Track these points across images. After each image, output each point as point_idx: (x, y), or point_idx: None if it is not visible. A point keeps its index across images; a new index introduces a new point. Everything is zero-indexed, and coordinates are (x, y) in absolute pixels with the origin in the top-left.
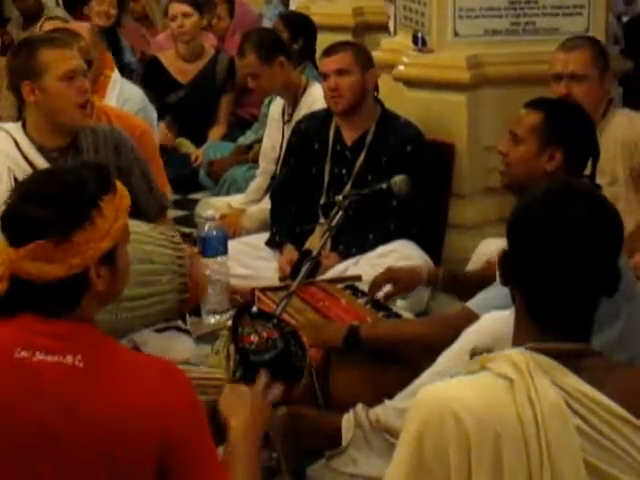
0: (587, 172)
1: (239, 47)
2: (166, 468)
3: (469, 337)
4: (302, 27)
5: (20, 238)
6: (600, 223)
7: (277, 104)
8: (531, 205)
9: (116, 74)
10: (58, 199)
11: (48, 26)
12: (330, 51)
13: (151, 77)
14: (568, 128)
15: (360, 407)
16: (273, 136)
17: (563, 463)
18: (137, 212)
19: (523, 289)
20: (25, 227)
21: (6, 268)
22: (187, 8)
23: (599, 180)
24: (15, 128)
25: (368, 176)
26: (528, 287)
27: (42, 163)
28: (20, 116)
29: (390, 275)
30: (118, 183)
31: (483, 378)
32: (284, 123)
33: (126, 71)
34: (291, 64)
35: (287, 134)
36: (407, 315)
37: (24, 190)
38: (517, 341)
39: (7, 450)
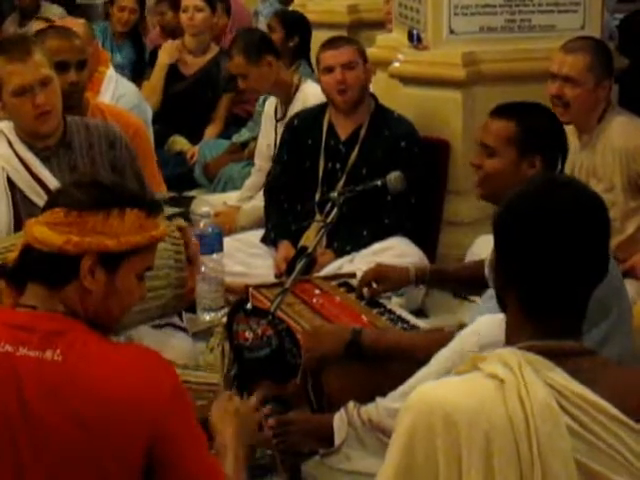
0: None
1: (229, 48)
2: (155, 460)
3: (463, 339)
4: (297, 25)
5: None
6: (589, 211)
7: (271, 102)
8: (517, 203)
9: (111, 71)
10: (93, 186)
11: (39, 26)
12: (333, 44)
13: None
14: (543, 133)
15: (351, 405)
16: (267, 134)
17: (554, 463)
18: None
19: (517, 287)
20: (53, 199)
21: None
22: (199, 2)
23: (597, 186)
24: (9, 128)
25: (362, 170)
26: (522, 285)
27: (34, 162)
28: None
29: (378, 272)
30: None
31: (473, 378)
32: (277, 121)
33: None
34: (281, 62)
35: (280, 132)
36: (402, 312)
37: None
38: (509, 341)
39: (4, 440)
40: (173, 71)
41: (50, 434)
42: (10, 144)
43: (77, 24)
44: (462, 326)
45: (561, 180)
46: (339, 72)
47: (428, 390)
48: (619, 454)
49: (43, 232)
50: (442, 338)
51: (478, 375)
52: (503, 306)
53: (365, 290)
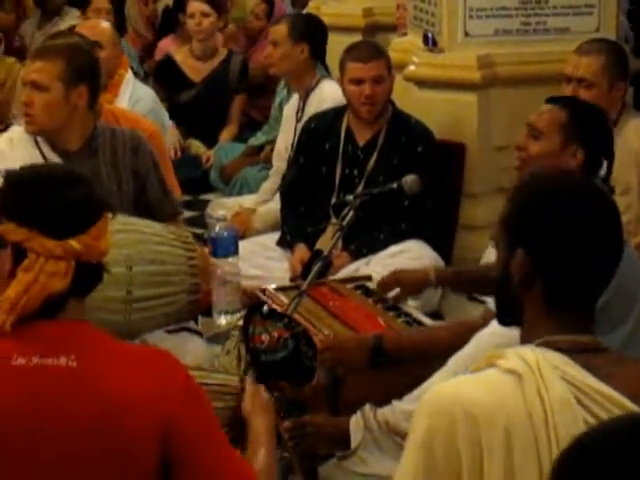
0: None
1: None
2: (170, 460)
3: (481, 340)
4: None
5: (84, 222)
6: (613, 211)
7: (291, 103)
8: (554, 198)
9: (129, 74)
10: (87, 182)
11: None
12: (363, 57)
13: (164, 75)
14: (591, 129)
15: (368, 408)
16: (286, 135)
17: None
18: (152, 216)
19: (545, 280)
20: (87, 206)
21: (71, 260)
22: (206, 7)
23: None
24: None
25: (380, 177)
26: (551, 276)
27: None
28: None
29: (396, 277)
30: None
31: (491, 375)
32: (297, 121)
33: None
34: (312, 59)
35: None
36: (418, 315)
37: (44, 182)
38: (527, 339)
39: (9, 450)
40: (182, 78)
41: (67, 439)
42: (37, 143)
43: (104, 27)
44: (487, 311)
45: (584, 182)
46: (369, 87)
47: (446, 388)
48: None
49: (106, 244)
50: (465, 331)
51: (496, 371)
52: (509, 313)
53: (391, 295)
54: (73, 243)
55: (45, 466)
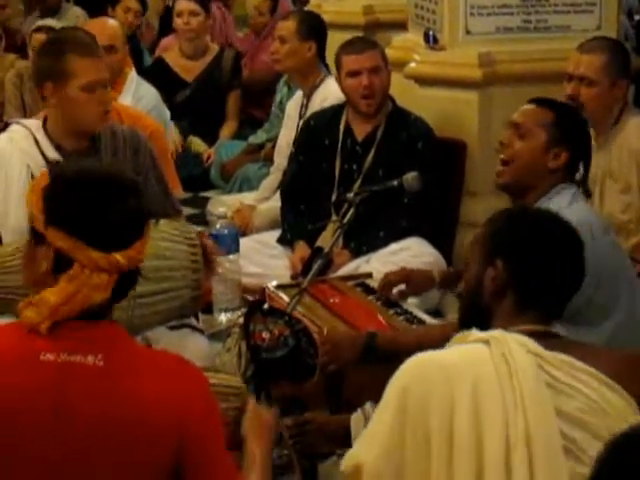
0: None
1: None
2: (182, 464)
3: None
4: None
5: (131, 236)
6: (575, 237)
7: (294, 100)
8: (528, 218)
9: (133, 72)
10: (136, 189)
11: (38, 38)
12: (357, 48)
13: (157, 77)
14: (575, 131)
15: (369, 405)
16: (289, 132)
17: (535, 411)
18: (153, 216)
19: (518, 287)
20: (137, 220)
21: (114, 274)
22: (195, 6)
23: (612, 186)
24: (36, 126)
25: (379, 171)
26: (525, 284)
27: None
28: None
29: (404, 275)
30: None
31: (463, 346)
32: (300, 118)
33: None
34: (318, 57)
35: None
36: (418, 313)
37: (96, 192)
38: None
39: (26, 441)
40: (174, 79)
41: (84, 435)
42: (37, 142)
43: (115, 28)
44: None
45: (549, 212)
46: (366, 77)
47: (422, 355)
48: (591, 400)
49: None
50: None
51: (467, 344)
52: (473, 321)
53: (394, 292)
54: (119, 257)
55: (58, 461)
